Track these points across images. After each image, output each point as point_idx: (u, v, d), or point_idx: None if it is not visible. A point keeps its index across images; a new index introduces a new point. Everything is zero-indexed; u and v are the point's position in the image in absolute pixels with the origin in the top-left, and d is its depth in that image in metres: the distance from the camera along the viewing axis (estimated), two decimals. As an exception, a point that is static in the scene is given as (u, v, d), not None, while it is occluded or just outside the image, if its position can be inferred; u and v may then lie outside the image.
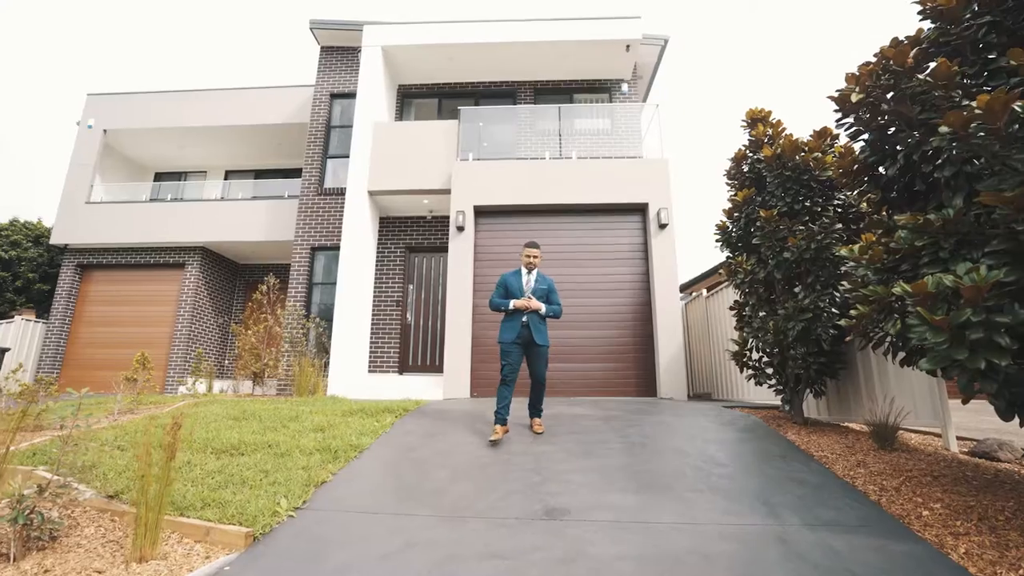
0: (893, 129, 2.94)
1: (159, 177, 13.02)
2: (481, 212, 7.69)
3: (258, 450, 3.65)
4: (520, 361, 3.99)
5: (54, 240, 10.70)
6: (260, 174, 12.71)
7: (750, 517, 2.45)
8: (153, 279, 10.88)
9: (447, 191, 7.96)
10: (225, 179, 12.66)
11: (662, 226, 7.26)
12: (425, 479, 3.11)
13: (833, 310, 4.05)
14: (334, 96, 9.95)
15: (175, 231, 10.53)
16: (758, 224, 4.53)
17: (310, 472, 3.19)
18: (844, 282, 3.10)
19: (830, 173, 4.23)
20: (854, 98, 2.81)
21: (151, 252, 10.78)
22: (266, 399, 6.23)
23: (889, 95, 2.68)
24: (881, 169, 3.13)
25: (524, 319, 3.96)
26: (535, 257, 4.23)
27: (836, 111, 3.20)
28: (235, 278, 11.97)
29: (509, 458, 3.48)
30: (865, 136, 3.12)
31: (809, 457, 3.34)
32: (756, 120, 5.14)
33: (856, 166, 3.22)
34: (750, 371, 4.83)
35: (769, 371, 4.74)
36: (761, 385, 4.81)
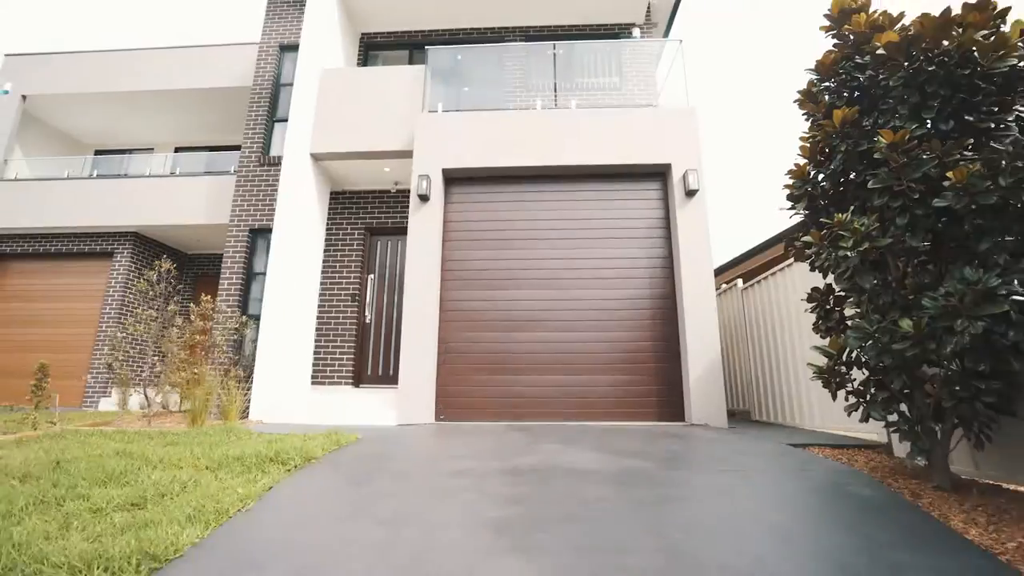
0: None
1: (100, 154, 11.31)
2: (453, 179, 5.93)
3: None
4: None
5: (-41, 224, 9.01)
6: (214, 151, 10.97)
7: None
8: (76, 271, 9.16)
9: (411, 153, 6.21)
10: (175, 153, 10.95)
11: (689, 193, 5.47)
12: None
13: (1030, 299, 2.27)
14: (284, 48, 8.19)
15: (99, 213, 8.82)
16: (875, 157, 2.74)
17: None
18: None
19: (1014, 60, 2.45)
20: None
21: (73, 239, 9.07)
22: (140, 431, 4.50)
23: None
24: None
25: None
26: None
27: None
28: (180, 271, 10.19)
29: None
30: None
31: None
32: (849, 13, 3.35)
33: None
34: (852, 398, 3.05)
35: (880, 397, 2.96)
36: (867, 421, 3.03)
